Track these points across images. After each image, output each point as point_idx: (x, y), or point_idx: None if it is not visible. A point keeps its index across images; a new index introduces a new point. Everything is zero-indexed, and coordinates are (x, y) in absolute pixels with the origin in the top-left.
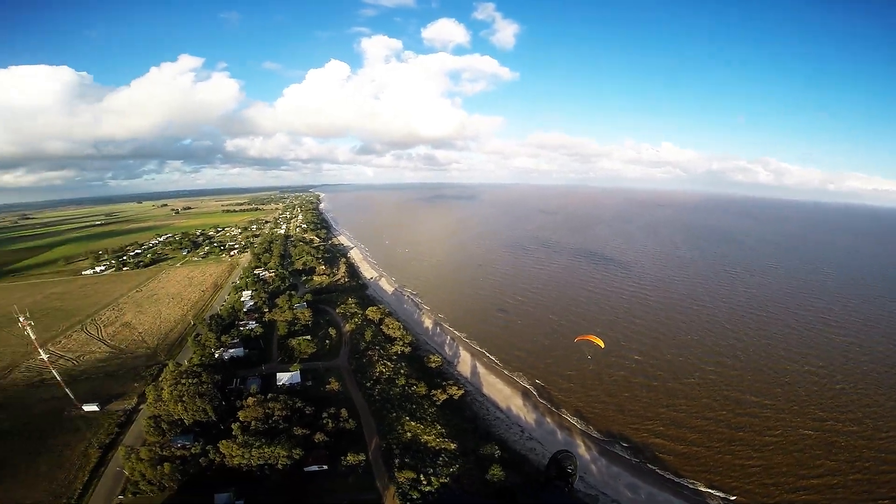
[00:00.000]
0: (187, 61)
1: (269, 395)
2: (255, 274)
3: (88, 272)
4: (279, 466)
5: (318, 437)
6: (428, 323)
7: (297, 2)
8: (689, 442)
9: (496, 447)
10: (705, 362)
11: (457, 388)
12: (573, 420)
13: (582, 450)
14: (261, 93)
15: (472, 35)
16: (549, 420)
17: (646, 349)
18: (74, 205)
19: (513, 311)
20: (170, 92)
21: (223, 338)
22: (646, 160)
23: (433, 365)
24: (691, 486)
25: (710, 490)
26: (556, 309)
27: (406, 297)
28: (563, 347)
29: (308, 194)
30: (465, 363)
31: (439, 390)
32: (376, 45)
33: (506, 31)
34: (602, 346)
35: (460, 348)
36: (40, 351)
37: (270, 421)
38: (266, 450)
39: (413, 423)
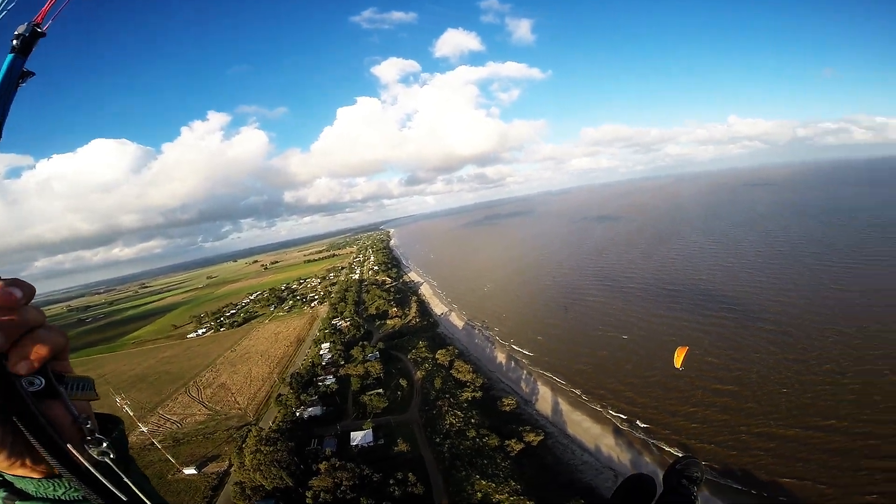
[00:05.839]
0: (216, 119)
1: (339, 463)
2: (332, 325)
3: (192, 335)
4: None
5: None
6: (501, 358)
7: (301, 47)
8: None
9: (582, 501)
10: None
11: (534, 434)
12: (679, 454)
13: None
14: (296, 140)
15: (487, 41)
16: (647, 458)
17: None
18: (182, 270)
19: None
20: (202, 151)
21: (302, 396)
22: (718, 138)
23: (507, 408)
24: None
25: None
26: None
27: (477, 332)
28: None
29: (378, 232)
30: (544, 400)
31: (514, 440)
32: (390, 69)
33: (521, 29)
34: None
35: (538, 383)
36: (139, 424)
37: (339, 492)
38: None
39: (484, 482)
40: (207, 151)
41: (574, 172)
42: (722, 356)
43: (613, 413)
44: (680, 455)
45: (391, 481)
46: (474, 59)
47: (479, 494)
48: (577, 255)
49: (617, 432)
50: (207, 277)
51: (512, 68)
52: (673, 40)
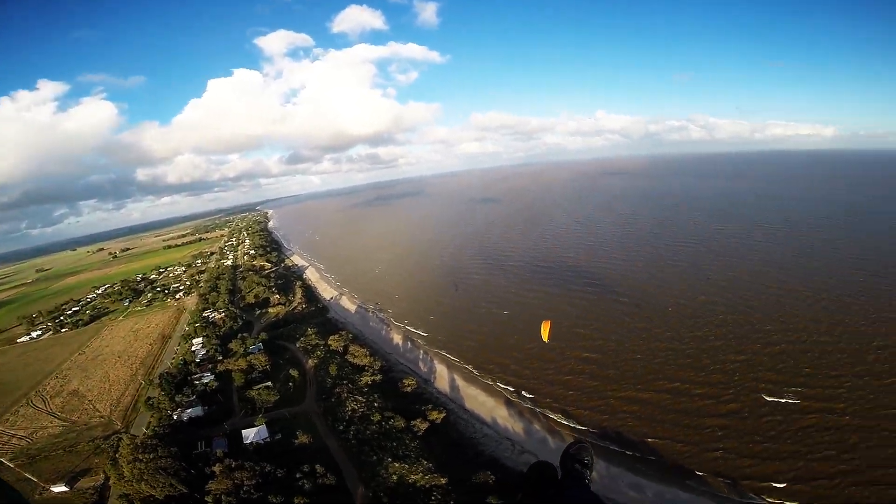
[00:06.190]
0: (49, 88)
1: (235, 463)
2: (203, 317)
3: (24, 339)
4: None
5: (298, 500)
6: (397, 339)
7: (169, 13)
8: (685, 426)
9: (490, 473)
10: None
11: (437, 411)
12: (562, 420)
13: None
14: (155, 113)
15: (391, 21)
16: (536, 426)
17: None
18: (1, 262)
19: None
20: (29, 124)
21: (178, 397)
22: (586, 130)
23: (408, 389)
24: (699, 476)
25: (714, 477)
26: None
27: (370, 314)
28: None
29: (255, 213)
30: (442, 378)
31: (419, 419)
32: (278, 43)
33: (427, 11)
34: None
35: (435, 362)
36: None
37: (242, 492)
38: None
39: (397, 464)
40: (36, 125)
41: (463, 156)
42: (587, 327)
43: (503, 386)
44: (566, 422)
45: (298, 475)
46: (376, 37)
47: (395, 477)
48: (463, 236)
49: (508, 404)
50: (37, 270)
51: (413, 50)
52: (559, 35)
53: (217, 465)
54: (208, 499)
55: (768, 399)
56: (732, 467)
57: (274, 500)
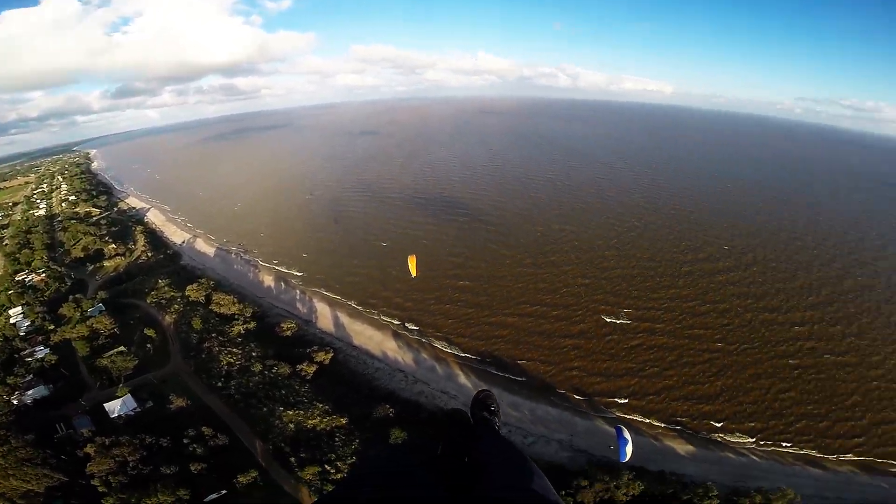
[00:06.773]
0: None
1: (108, 440)
2: (18, 282)
3: None
4: None
5: (195, 467)
6: (269, 281)
7: None
8: (547, 348)
9: (388, 407)
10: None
11: (324, 352)
12: (446, 349)
13: (462, 378)
14: None
15: None
16: (424, 355)
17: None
18: None
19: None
20: None
21: (10, 379)
22: (467, 69)
23: (288, 333)
24: (561, 393)
25: (573, 393)
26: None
27: (234, 257)
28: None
29: (71, 155)
30: (325, 317)
31: (306, 363)
32: None
33: None
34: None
35: (314, 301)
36: None
37: (129, 469)
38: (148, 502)
39: (291, 412)
40: None
41: (340, 88)
42: (460, 255)
43: (387, 319)
44: (450, 350)
45: (185, 441)
46: None
47: (291, 425)
48: (340, 169)
49: (396, 336)
50: None
51: None
52: None
53: (88, 445)
54: (95, 482)
55: (607, 320)
56: (586, 384)
57: (168, 472)
